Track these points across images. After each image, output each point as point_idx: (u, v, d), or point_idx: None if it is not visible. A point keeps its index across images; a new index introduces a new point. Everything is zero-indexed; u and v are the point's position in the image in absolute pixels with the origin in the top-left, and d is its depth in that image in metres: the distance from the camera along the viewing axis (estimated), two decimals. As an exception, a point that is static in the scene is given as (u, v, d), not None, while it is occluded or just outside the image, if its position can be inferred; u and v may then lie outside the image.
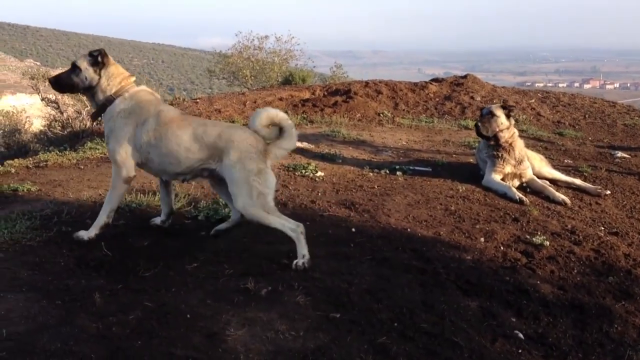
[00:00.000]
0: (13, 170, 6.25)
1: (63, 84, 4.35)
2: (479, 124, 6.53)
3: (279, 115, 4.19)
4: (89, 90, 4.30)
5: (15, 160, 6.78)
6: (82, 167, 6.32)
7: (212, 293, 3.51)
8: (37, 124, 16.35)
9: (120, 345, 2.88)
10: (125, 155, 4.20)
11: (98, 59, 4.24)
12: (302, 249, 4.03)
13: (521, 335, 3.48)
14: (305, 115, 10.97)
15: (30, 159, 6.86)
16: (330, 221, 5.00)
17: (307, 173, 6.38)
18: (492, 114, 6.48)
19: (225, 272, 3.80)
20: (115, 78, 4.28)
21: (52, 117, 12.89)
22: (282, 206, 5.28)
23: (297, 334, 3.12)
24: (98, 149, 7.49)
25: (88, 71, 4.23)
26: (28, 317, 3.07)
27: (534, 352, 3.34)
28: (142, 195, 5.19)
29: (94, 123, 9.89)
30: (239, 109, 11.51)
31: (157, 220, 4.62)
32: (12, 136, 14.03)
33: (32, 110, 17.39)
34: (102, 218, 4.25)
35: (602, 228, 5.47)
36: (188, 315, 3.21)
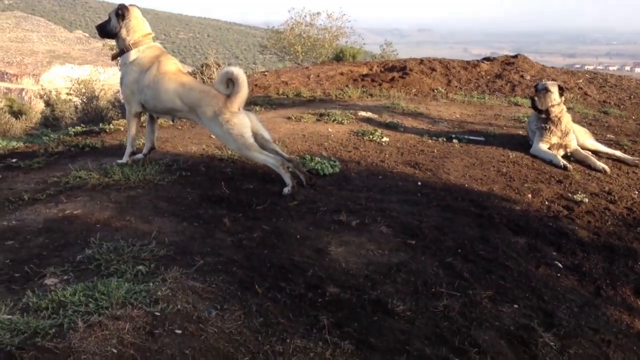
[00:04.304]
0: (122, 129, 7.26)
1: (103, 30, 5.47)
2: (535, 97, 7.26)
3: (228, 72, 4.96)
4: (116, 38, 5.36)
5: (121, 120, 7.80)
6: (179, 127, 7.28)
7: (312, 223, 4.43)
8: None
9: (252, 252, 3.83)
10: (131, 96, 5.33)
11: (119, 11, 5.31)
12: (287, 179, 5.01)
13: (560, 265, 4.33)
14: (364, 89, 11.79)
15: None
16: (399, 176, 5.88)
17: (374, 138, 7.24)
18: (546, 90, 7.20)
19: (320, 209, 4.73)
20: (134, 32, 5.28)
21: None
22: (356, 163, 6.19)
23: (383, 253, 4.04)
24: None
25: (113, 21, 5.36)
26: (177, 232, 4.04)
27: (570, 277, 4.19)
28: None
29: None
30: (303, 81, 12.42)
31: (140, 155, 5.59)
32: (90, 103, 15.18)
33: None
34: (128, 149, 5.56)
35: (636, 192, 6.21)
36: (298, 236, 4.15)
